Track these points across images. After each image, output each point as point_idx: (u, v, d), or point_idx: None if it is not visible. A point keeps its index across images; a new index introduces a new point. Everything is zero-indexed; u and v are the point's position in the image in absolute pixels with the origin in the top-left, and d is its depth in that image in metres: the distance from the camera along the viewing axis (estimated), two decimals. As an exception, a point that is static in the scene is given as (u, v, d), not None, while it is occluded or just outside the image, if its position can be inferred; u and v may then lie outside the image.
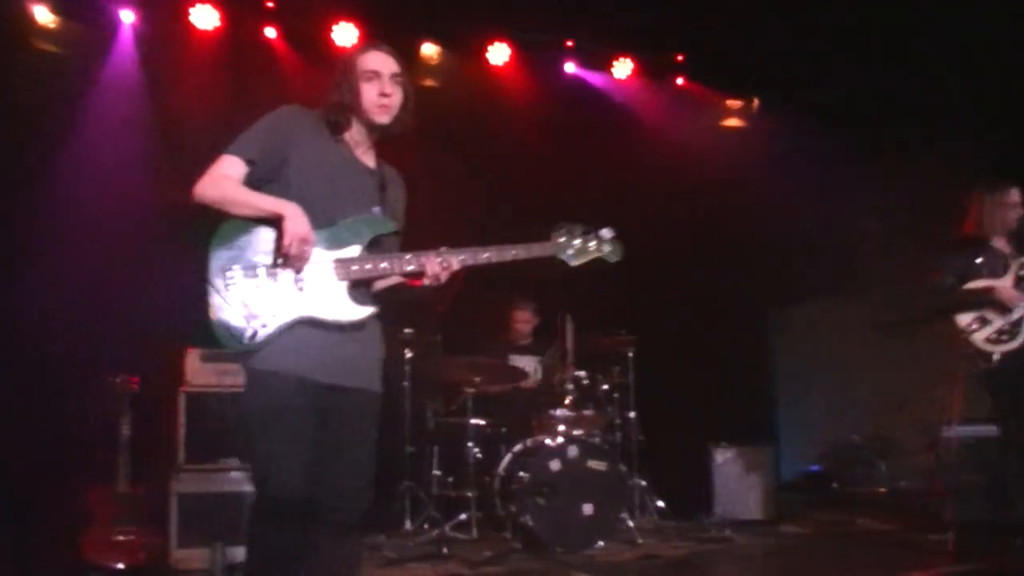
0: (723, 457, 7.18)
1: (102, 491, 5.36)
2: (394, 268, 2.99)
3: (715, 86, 8.44)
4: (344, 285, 2.95)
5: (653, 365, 6.99)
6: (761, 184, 8.35)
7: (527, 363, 6.88)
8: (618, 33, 7.84)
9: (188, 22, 6.84)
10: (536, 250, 3.23)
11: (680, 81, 8.33)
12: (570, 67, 8.03)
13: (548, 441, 5.87)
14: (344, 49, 7.20)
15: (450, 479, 6.21)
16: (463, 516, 6.04)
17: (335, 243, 2.96)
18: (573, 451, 5.78)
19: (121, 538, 5.26)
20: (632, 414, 6.72)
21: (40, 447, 6.07)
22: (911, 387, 7.96)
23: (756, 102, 8.58)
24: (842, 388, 8.76)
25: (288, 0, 7.11)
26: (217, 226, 2.90)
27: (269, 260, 2.88)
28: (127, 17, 6.71)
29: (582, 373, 6.23)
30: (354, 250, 2.98)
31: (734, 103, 8.61)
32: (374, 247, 3.03)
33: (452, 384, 6.33)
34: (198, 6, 6.82)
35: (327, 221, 2.96)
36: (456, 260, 3.02)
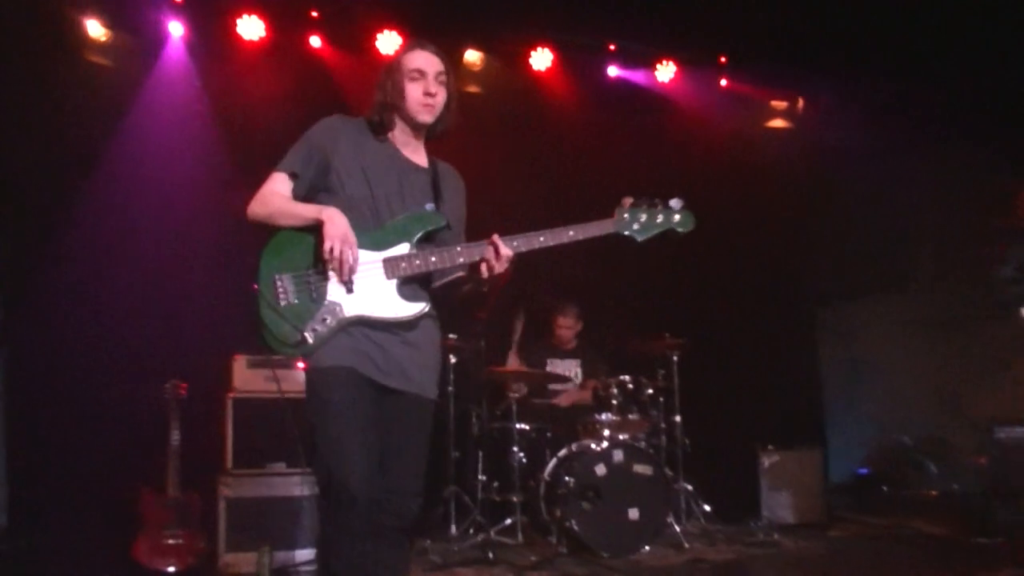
0: (770, 460, 7.12)
1: (153, 495, 5.45)
2: (444, 262, 2.99)
3: (759, 86, 8.35)
4: (394, 283, 2.97)
5: (699, 368, 6.95)
6: (808, 182, 8.29)
7: (568, 367, 6.88)
8: (660, 35, 7.81)
9: (235, 33, 6.93)
10: (595, 229, 3.17)
11: (724, 82, 8.27)
12: (613, 70, 8.00)
13: (593, 445, 5.87)
14: (387, 57, 7.27)
15: (495, 484, 6.22)
16: (508, 521, 6.05)
17: (383, 243, 2.99)
18: (618, 455, 5.77)
19: (171, 542, 5.35)
20: (677, 417, 6.68)
21: (93, 451, 6.19)
22: (964, 387, 7.85)
23: (801, 102, 8.50)
24: (892, 388, 8.65)
25: (333, 9, 7.18)
26: (269, 238, 3.00)
27: (318, 265, 2.94)
28: (176, 29, 6.81)
29: (626, 377, 6.21)
30: (403, 248, 3.00)
31: (779, 104, 8.53)
32: (426, 243, 3.05)
33: (498, 389, 6.35)
34: (244, 17, 6.91)
35: (376, 222, 3.01)
36: (511, 246, 3.00)
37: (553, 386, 6.84)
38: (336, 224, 2.89)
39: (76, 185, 6.44)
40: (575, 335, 7.00)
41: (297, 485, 5.60)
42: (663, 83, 8.07)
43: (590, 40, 7.88)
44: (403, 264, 2.97)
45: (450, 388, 6.41)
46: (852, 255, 8.62)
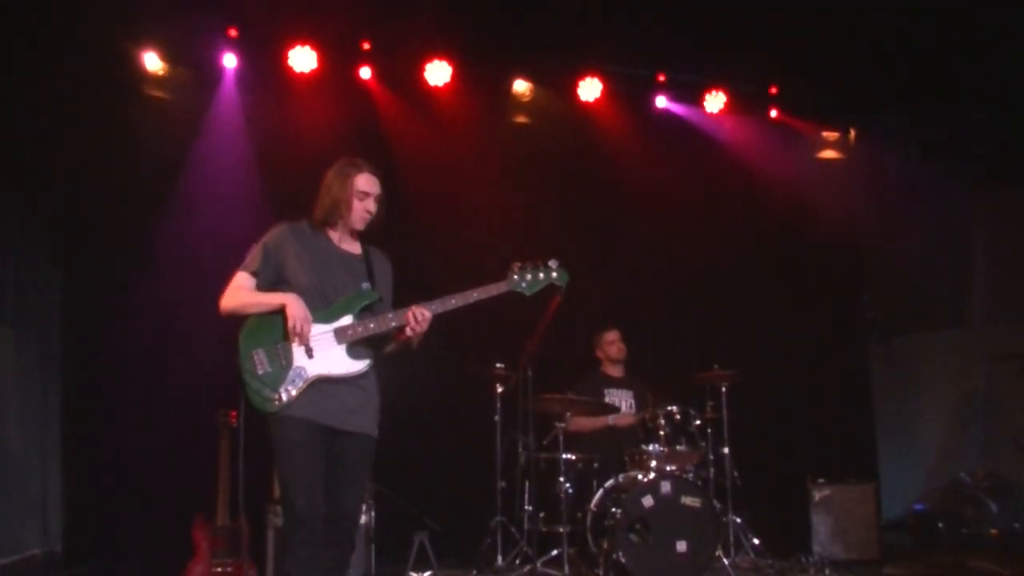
0: (821, 494, 6.99)
1: (204, 523, 5.50)
2: (380, 326, 3.77)
3: (810, 117, 8.29)
4: (343, 347, 3.75)
5: (749, 400, 6.88)
6: (863, 215, 8.20)
7: (621, 397, 6.83)
8: (710, 66, 7.80)
9: (287, 65, 7.04)
10: (494, 289, 3.88)
11: (774, 113, 8.22)
12: (662, 101, 7.99)
13: (641, 477, 5.81)
14: (436, 88, 7.33)
15: (542, 515, 6.17)
16: (555, 552, 6.00)
17: (332, 317, 3.77)
18: (666, 487, 5.70)
19: (219, 570, 5.38)
20: (726, 449, 6.60)
21: (148, 479, 6.28)
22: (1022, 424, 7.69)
23: (853, 133, 8.41)
24: (952, 424, 8.50)
25: (383, 41, 7.27)
26: (243, 324, 3.72)
27: (283, 340, 3.68)
28: (229, 62, 6.94)
29: (675, 408, 6.15)
30: (348, 319, 3.78)
31: (830, 135, 8.45)
32: (365, 314, 3.81)
33: (545, 419, 6.32)
34: (296, 48, 7.02)
35: (324, 302, 3.78)
36: (428, 310, 3.76)
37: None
38: (296, 306, 3.67)
39: (139, 217, 6.59)
40: (624, 359, 6.96)
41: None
42: (712, 114, 8.04)
43: (639, 71, 7.89)
44: (349, 332, 3.75)
45: (496, 418, 6.41)
46: (909, 290, 8.51)
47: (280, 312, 3.68)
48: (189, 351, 6.36)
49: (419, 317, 3.74)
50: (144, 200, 6.66)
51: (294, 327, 3.63)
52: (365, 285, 3.87)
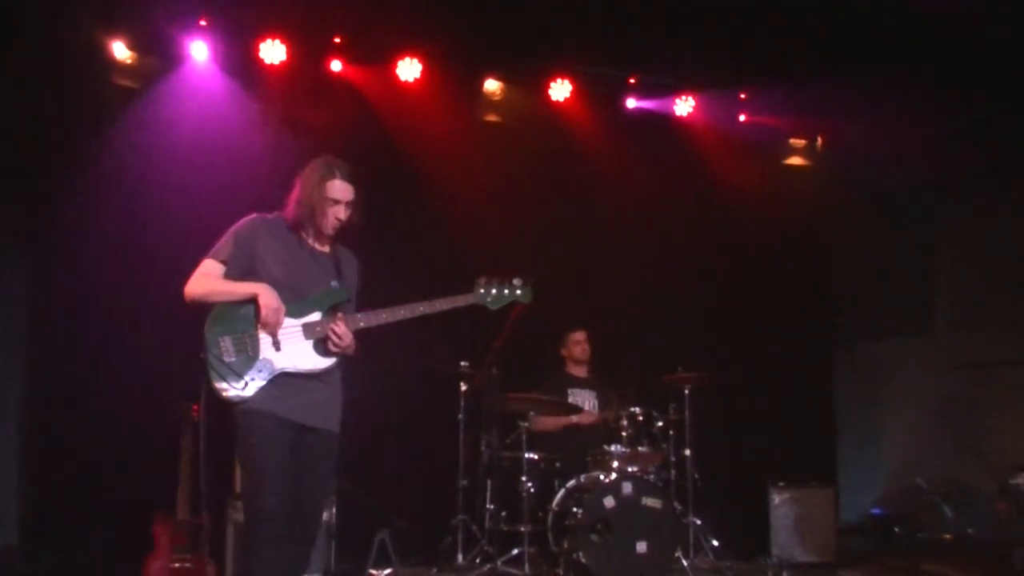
0: (781, 497, 7.06)
1: (164, 518, 5.45)
2: (348, 326, 3.74)
3: (778, 124, 8.36)
4: (311, 343, 3.73)
5: (711, 402, 6.92)
6: (827, 221, 8.29)
7: (585, 397, 6.86)
8: (680, 69, 7.84)
9: (258, 56, 6.99)
10: (460, 301, 3.96)
11: (743, 118, 8.28)
12: (632, 103, 8.02)
13: (602, 477, 5.84)
14: (408, 84, 7.31)
15: (503, 514, 6.19)
16: (516, 551, 6.01)
17: (301, 312, 3.75)
18: (628, 488, 5.73)
19: (178, 566, 5.34)
20: (688, 451, 6.65)
21: (106, 472, 6.21)
22: (983, 431, 7.79)
23: (820, 140, 8.50)
24: (908, 430, 8.59)
25: (354, 35, 7.24)
26: (210, 311, 3.69)
27: (252, 330, 3.66)
28: (199, 52, 6.88)
29: (637, 409, 6.18)
30: (316, 316, 3.77)
31: (798, 141, 8.54)
32: (332, 312, 3.78)
33: (508, 418, 6.33)
34: (268, 41, 6.98)
35: (294, 297, 3.75)
36: (400, 313, 3.79)
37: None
38: (269, 297, 3.66)
39: (104, 207, 6.51)
40: (588, 360, 6.99)
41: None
42: (682, 116, 8.09)
43: (610, 72, 7.92)
44: (317, 328, 3.73)
45: (460, 416, 6.41)
46: (872, 296, 8.60)
47: (249, 302, 3.67)
48: (152, 345, 6.29)
49: (338, 333, 3.70)
50: (110, 190, 6.58)
51: (266, 317, 3.62)
52: (335, 283, 3.86)
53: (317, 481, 3.78)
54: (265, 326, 3.65)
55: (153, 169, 6.67)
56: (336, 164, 3.89)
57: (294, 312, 3.73)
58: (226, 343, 3.63)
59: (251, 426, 3.61)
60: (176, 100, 6.87)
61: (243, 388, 3.59)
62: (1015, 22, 6.47)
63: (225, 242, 3.81)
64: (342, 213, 3.85)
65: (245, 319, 3.67)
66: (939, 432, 8.30)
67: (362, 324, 3.77)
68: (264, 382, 3.63)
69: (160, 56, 6.90)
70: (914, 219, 8.53)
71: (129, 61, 6.80)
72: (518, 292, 4.01)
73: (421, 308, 3.83)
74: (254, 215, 3.89)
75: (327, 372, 3.78)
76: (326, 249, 3.96)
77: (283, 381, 3.67)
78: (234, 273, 3.75)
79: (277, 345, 3.67)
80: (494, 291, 3.97)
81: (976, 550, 7.26)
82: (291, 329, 3.71)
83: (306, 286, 3.80)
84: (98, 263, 6.42)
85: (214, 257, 3.78)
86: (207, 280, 3.74)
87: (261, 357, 3.65)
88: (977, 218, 8.30)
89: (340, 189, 3.84)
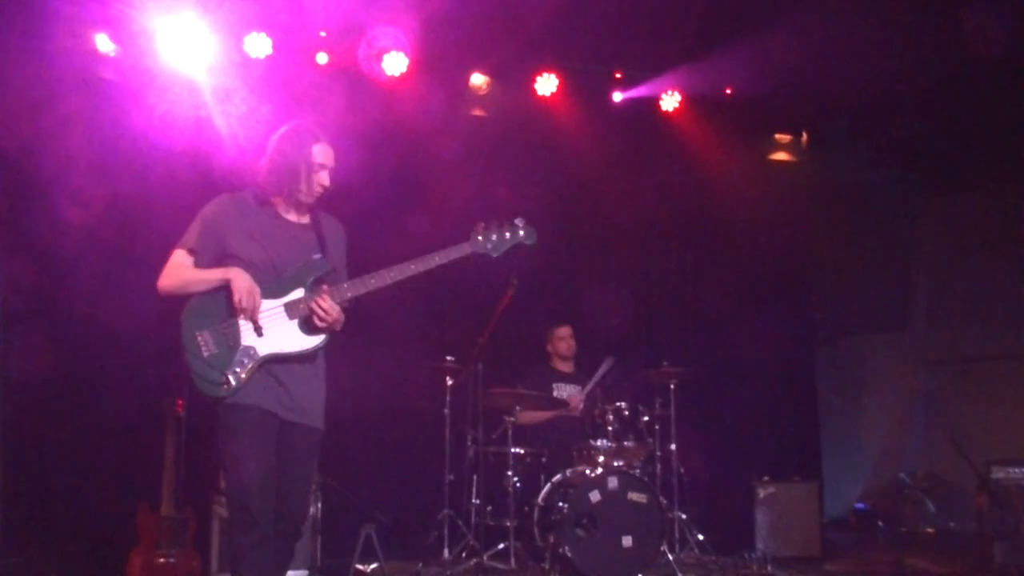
0: (765, 492, 7.09)
1: (148, 513, 5.43)
2: (335, 298, 3.48)
3: (763, 120, 8.39)
4: (296, 322, 3.49)
5: (696, 397, 6.95)
6: (811, 217, 8.32)
7: (570, 392, 6.87)
8: (667, 65, 7.85)
9: (242, 50, 6.95)
10: (456, 252, 3.62)
11: (728, 115, 8.29)
12: (618, 98, 8.03)
13: (588, 472, 5.85)
14: (393, 79, 7.29)
15: (489, 508, 6.19)
16: (502, 546, 6.03)
17: (282, 291, 3.51)
18: (613, 482, 5.73)
19: (162, 560, 5.32)
20: (673, 446, 6.67)
21: (89, 467, 6.18)
22: (963, 425, 7.85)
23: (805, 137, 8.53)
24: (893, 425, 8.66)
25: (340, 30, 7.20)
26: (185, 305, 3.49)
27: (230, 318, 3.45)
28: (186, 46, 6.83)
29: (623, 404, 6.19)
30: (299, 292, 3.52)
31: (783, 137, 8.57)
32: (317, 287, 3.53)
33: (494, 413, 6.34)
34: (252, 34, 6.94)
35: (273, 276, 3.52)
36: (389, 276, 3.51)
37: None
38: (240, 279, 3.42)
39: (76, 199, 6.46)
40: (574, 355, 7.00)
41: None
42: (667, 112, 8.10)
43: (596, 67, 7.92)
44: (301, 305, 3.49)
45: (446, 411, 6.41)
46: (855, 293, 8.65)
47: (225, 289, 3.44)
48: (135, 339, 6.25)
49: (324, 308, 3.42)
50: (90, 183, 6.51)
51: (240, 301, 3.38)
52: (317, 256, 3.60)
53: (300, 476, 3.58)
54: (242, 311, 3.40)
55: (134, 163, 6.61)
56: (314, 128, 3.67)
57: (274, 292, 3.49)
58: (204, 337, 3.41)
59: (234, 424, 3.39)
60: (159, 93, 6.81)
61: (226, 382, 3.37)
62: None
63: (192, 229, 3.59)
64: (327, 179, 3.63)
65: (222, 308, 3.44)
66: (919, 427, 8.36)
67: (349, 294, 3.50)
68: (248, 371, 3.41)
69: (144, 50, 6.85)
70: (894, 217, 8.58)
71: (113, 54, 6.74)
72: (521, 233, 3.70)
73: (413, 267, 3.53)
74: (222, 195, 3.67)
75: (315, 353, 3.54)
76: (305, 220, 3.70)
77: (269, 370, 3.45)
78: (206, 260, 3.53)
79: (259, 330, 3.44)
80: (494, 236, 3.66)
81: (958, 544, 7.32)
82: (272, 310, 3.46)
83: (285, 263, 3.55)
84: (79, 257, 6.37)
85: (183, 246, 3.57)
86: (178, 271, 3.54)
87: (243, 345, 3.42)
88: (955, 217, 8.36)
89: (325, 153, 3.63)
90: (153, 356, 6.16)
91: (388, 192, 7.15)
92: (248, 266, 3.48)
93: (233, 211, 3.60)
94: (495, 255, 3.66)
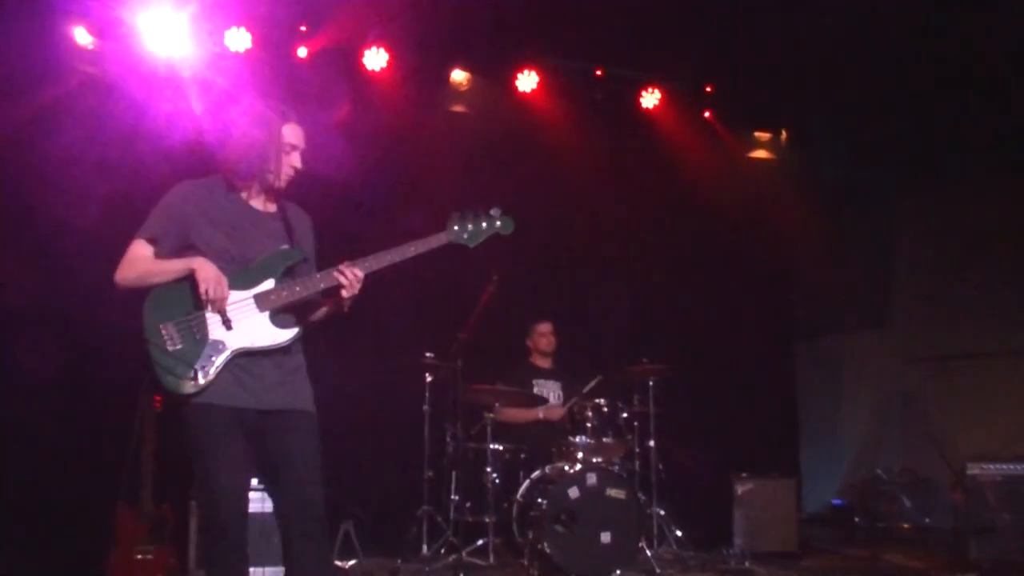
0: (744, 488, 7.12)
1: (126, 510, 5.40)
2: (307, 289, 3.33)
3: (743, 118, 8.43)
4: (267, 315, 3.30)
5: (675, 394, 6.97)
6: (791, 215, 8.35)
7: (550, 388, 6.88)
8: (647, 62, 7.86)
9: (223, 44, 6.91)
10: (433, 241, 3.48)
11: (708, 113, 8.33)
12: (598, 95, 8.04)
13: (567, 468, 5.86)
14: (374, 73, 7.28)
15: (468, 504, 6.20)
16: (481, 542, 6.04)
17: (251, 282, 3.31)
18: (592, 479, 5.75)
19: (140, 557, 5.30)
20: (652, 442, 6.70)
21: (67, 464, 6.13)
22: (939, 422, 7.91)
23: (785, 134, 8.57)
24: (871, 421, 8.70)
25: (320, 24, 7.18)
26: (147, 296, 3.25)
27: (195, 310, 3.23)
28: (165, 40, 6.78)
29: (602, 400, 6.21)
30: (269, 283, 3.33)
31: (762, 135, 8.61)
32: (287, 277, 3.37)
33: (473, 409, 6.34)
34: (232, 28, 6.91)
35: (240, 266, 3.32)
36: (361, 267, 3.34)
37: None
38: (206, 269, 3.20)
39: (47, 191, 6.39)
40: (554, 351, 7.01)
41: (269, 502, 5.54)
42: (648, 109, 8.12)
43: (577, 64, 7.92)
44: (272, 296, 3.29)
45: (425, 407, 6.41)
46: (835, 289, 8.69)
47: (188, 279, 3.22)
48: (113, 334, 6.18)
49: (349, 276, 3.29)
50: (60, 175, 6.44)
51: (207, 292, 3.16)
52: (285, 246, 3.41)
53: (306, 469, 3.29)
54: (210, 303, 3.18)
55: (114, 156, 6.56)
56: (281, 105, 3.45)
57: (242, 282, 3.29)
58: (168, 330, 3.17)
59: (203, 429, 3.19)
60: (136, 86, 6.76)
61: (194, 378, 3.15)
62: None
63: (153, 218, 3.37)
64: (298, 160, 3.43)
65: (187, 300, 3.21)
66: (897, 423, 8.41)
67: (322, 285, 3.33)
68: (218, 367, 3.19)
69: (120, 42, 6.80)
70: (874, 215, 8.63)
71: (92, 47, 6.69)
72: (498, 223, 3.58)
73: (389, 256, 3.36)
74: (184, 181, 3.45)
75: (289, 347, 3.34)
76: (272, 209, 3.50)
77: (240, 363, 3.24)
78: (167, 250, 3.32)
79: (227, 323, 3.22)
80: (470, 226, 3.53)
81: (934, 539, 7.38)
82: (241, 302, 3.26)
83: (253, 253, 3.35)
84: (51, 250, 6.31)
85: (142, 235, 3.35)
86: (137, 263, 3.31)
87: (211, 339, 3.20)
88: (934, 215, 8.42)
89: (295, 133, 3.43)
90: (132, 351, 6.09)
91: (368, 187, 7.13)
92: (213, 256, 3.28)
93: (196, 198, 3.38)
94: (472, 245, 3.55)
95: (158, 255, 3.32)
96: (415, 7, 6.93)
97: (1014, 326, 7.59)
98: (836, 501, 8.49)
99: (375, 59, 7.26)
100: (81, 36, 6.64)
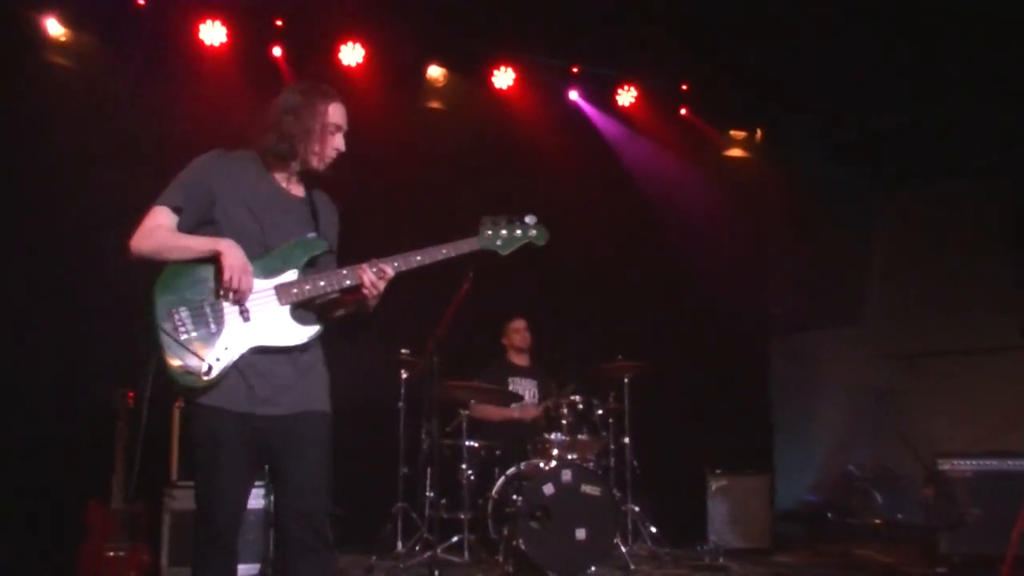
0: (718, 484, 7.16)
1: (98, 506, 5.35)
2: (332, 284, 3.09)
3: (719, 116, 8.47)
4: (287, 309, 3.06)
5: (650, 391, 6.99)
6: (765, 213, 8.40)
7: (526, 386, 6.88)
8: (623, 60, 7.88)
9: (197, 38, 6.87)
10: (465, 246, 3.31)
11: (683, 111, 8.36)
12: (574, 93, 8.06)
13: (542, 465, 5.86)
14: (350, 68, 7.26)
15: (443, 501, 6.19)
16: (456, 539, 6.04)
17: (272, 271, 3.07)
18: (567, 475, 5.75)
19: (112, 554, 5.25)
20: (627, 439, 6.72)
21: (38, 460, 6.06)
22: (914, 419, 7.97)
23: (760, 133, 8.62)
24: (844, 418, 8.75)
25: (296, 19, 7.14)
26: (159, 272, 2.99)
27: (213, 297, 2.98)
28: (138, 32, 6.72)
29: (578, 398, 6.22)
30: (292, 274, 3.09)
31: (737, 134, 8.65)
32: (310, 269, 3.14)
33: (449, 406, 6.33)
34: (208, 22, 6.86)
35: (262, 251, 3.07)
36: (389, 267, 3.13)
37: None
38: (235, 255, 2.97)
39: (32, 188, 6.33)
40: (530, 348, 7.02)
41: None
42: (623, 107, 8.13)
43: (553, 61, 7.93)
44: (294, 290, 3.06)
45: (400, 404, 6.40)
46: (810, 287, 8.74)
47: (207, 262, 2.97)
48: (86, 330, 6.16)
49: (376, 275, 3.09)
50: (39, 168, 6.39)
51: (231, 281, 2.93)
52: (311, 234, 3.18)
53: (312, 476, 3.11)
54: (232, 292, 2.96)
55: (88, 149, 6.50)
56: (327, 87, 3.24)
57: (264, 270, 3.04)
58: (181, 315, 2.91)
59: (206, 431, 3.00)
60: (111, 80, 6.70)
61: (207, 372, 2.91)
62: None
63: (179, 184, 3.08)
64: (342, 142, 3.22)
65: (204, 283, 2.97)
66: (869, 420, 8.47)
67: (347, 282, 3.11)
68: (230, 363, 2.96)
69: (96, 34, 6.73)
70: (848, 213, 8.69)
71: (63, 39, 6.62)
72: (532, 233, 3.44)
73: (418, 258, 3.17)
74: (216, 149, 3.19)
75: (307, 345, 3.11)
76: (300, 194, 3.26)
77: (252, 360, 3.00)
78: (190, 222, 3.05)
79: (245, 314, 2.98)
80: (504, 232, 3.39)
81: (905, 534, 7.44)
82: (262, 293, 3.02)
83: (278, 238, 3.11)
84: (21, 243, 6.24)
85: (166, 203, 3.04)
86: (157, 232, 3.00)
87: (226, 331, 2.96)
88: (908, 213, 8.48)
89: (340, 113, 3.21)
90: (103, 347, 6.05)
91: (341, 184, 7.07)
92: (235, 234, 3.03)
93: (227, 170, 3.13)
94: (504, 253, 3.41)
95: (182, 225, 3.05)
96: (391, 2, 6.92)
97: (985, 324, 7.66)
98: (809, 497, 8.55)
99: (351, 55, 7.23)
100: (53, 27, 6.57)
